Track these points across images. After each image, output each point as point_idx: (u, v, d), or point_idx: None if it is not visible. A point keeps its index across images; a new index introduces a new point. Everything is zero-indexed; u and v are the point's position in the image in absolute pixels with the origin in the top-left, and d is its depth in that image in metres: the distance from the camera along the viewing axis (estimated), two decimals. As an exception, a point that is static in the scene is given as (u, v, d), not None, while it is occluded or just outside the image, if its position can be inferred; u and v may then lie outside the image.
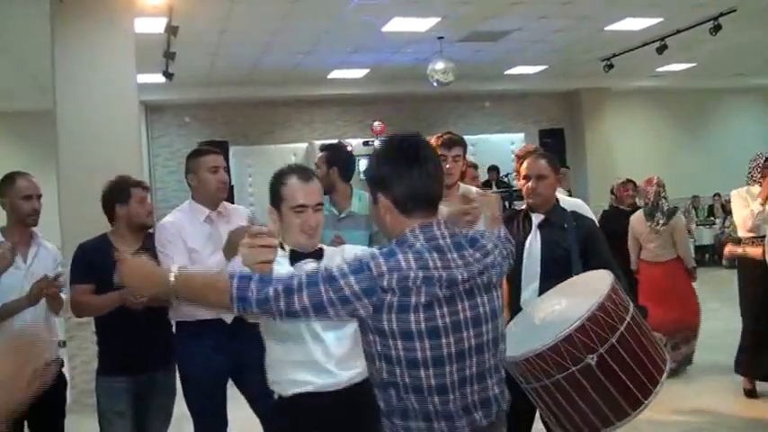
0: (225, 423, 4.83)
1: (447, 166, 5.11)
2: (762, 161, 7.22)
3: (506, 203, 13.17)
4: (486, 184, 14.59)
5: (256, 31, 12.02)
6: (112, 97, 8.67)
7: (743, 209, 7.09)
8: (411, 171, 2.70)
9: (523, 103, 19.51)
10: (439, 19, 11.99)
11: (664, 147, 20.02)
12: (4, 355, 1.90)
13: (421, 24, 12.31)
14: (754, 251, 6.89)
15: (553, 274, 4.26)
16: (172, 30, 9.97)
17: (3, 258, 4.40)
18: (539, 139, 17.04)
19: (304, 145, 16.82)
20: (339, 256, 3.28)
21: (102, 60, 8.66)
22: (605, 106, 19.33)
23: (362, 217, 5.30)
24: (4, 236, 4.78)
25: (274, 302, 2.58)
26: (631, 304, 3.48)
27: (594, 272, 3.96)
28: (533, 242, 4.51)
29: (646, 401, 3.31)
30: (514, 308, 4.35)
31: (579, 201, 5.46)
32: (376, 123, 16.35)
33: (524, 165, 4.68)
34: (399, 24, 12.20)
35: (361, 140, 16.48)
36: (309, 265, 3.22)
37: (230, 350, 4.60)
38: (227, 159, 13.38)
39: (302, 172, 3.38)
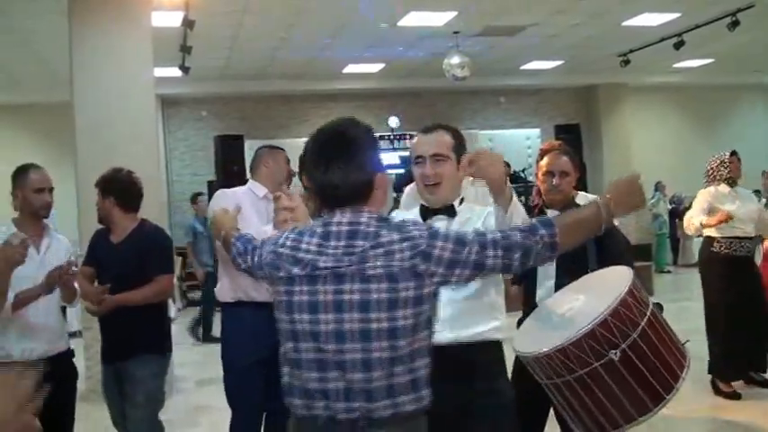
0: (260, 414, 4.95)
1: None
2: (726, 157, 7.24)
3: (523, 198, 13.16)
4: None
5: (272, 26, 12.07)
6: (129, 90, 8.70)
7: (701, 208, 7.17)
8: (325, 166, 2.74)
9: (539, 99, 19.53)
10: (455, 13, 12.01)
11: (680, 142, 19.97)
12: None
13: (437, 19, 12.36)
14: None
15: (569, 270, 4.18)
16: (188, 23, 10.04)
17: (17, 253, 4.39)
18: (554, 134, 16.97)
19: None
20: (475, 216, 3.49)
21: (119, 54, 8.69)
22: (622, 102, 19.29)
23: None
24: (18, 227, 4.82)
25: (240, 259, 3.03)
26: (650, 300, 3.47)
27: (612, 268, 3.90)
28: None
29: (667, 397, 3.28)
30: (530, 305, 4.34)
31: (598, 198, 5.39)
32: (392, 118, 16.37)
33: (545, 160, 4.65)
34: (415, 19, 12.23)
35: (376, 135, 16.50)
36: (440, 222, 3.38)
37: (271, 336, 4.68)
38: (242, 153, 13.56)
39: (426, 128, 3.59)
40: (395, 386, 2.65)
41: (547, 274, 4.39)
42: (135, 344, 5.02)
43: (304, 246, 2.71)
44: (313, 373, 2.68)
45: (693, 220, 7.14)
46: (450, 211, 3.49)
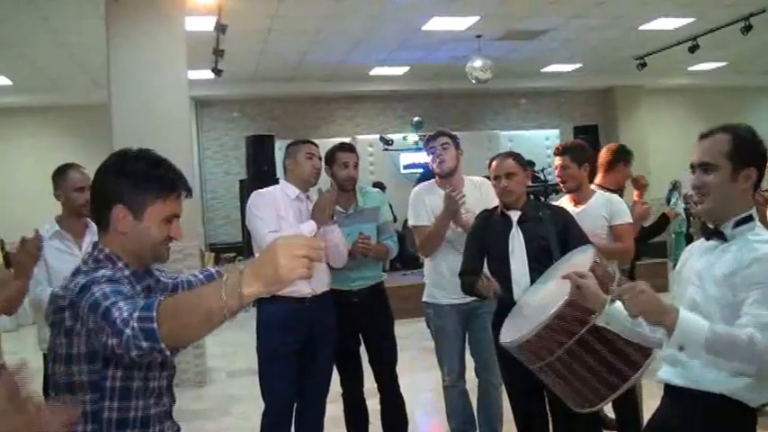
0: (291, 405, 5.12)
1: (437, 154, 5.44)
2: None
3: (542, 198, 13.36)
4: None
5: (302, 30, 12.34)
6: (164, 92, 8.94)
7: None
8: None
9: (559, 101, 19.78)
10: (477, 18, 12.25)
11: (694, 143, 19.99)
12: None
13: (460, 23, 12.58)
14: None
15: (540, 265, 4.42)
16: (221, 28, 10.34)
17: (33, 246, 4.15)
18: (573, 135, 17.14)
19: (347, 139, 17.13)
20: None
21: (154, 57, 8.93)
22: (639, 103, 19.54)
23: (369, 210, 5.51)
24: (61, 225, 5.05)
25: None
26: (617, 272, 3.74)
27: (576, 250, 4.18)
28: (516, 238, 4.59)
29: (645, 362, 3.45)
30: (507, 303, 4.41)
31: (614, 196, 5.42)
32: (416, 119, 16.63)
33: (493, 165, 4.75)
34: (439, 23, 12.49)
35: (401, 135, 16.85)
36: (711, 243, 3.04)
37: (303, 329, 5.00)
38: (273, 153, 13.87)
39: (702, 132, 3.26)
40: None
41: (521, 272, 4.52)
42: None
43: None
44: None
45: None
46: (720, 235, 2.98)
